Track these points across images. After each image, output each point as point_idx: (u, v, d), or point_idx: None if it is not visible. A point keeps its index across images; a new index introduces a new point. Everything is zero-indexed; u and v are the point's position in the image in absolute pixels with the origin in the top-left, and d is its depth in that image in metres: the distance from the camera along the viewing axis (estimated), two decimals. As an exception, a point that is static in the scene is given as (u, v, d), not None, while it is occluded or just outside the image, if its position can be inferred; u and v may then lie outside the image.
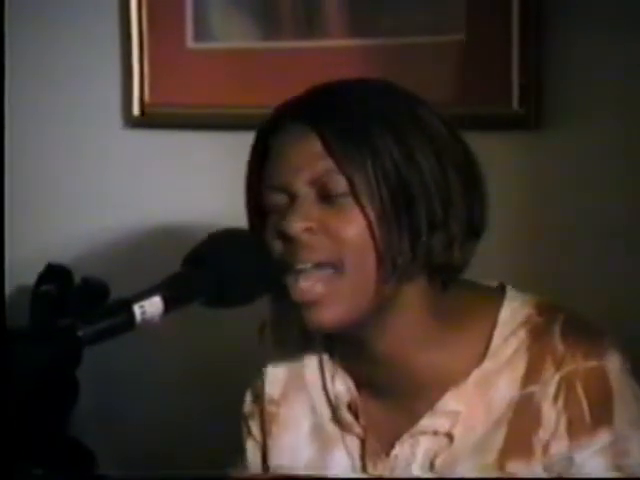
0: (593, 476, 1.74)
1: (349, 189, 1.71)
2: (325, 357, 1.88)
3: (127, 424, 2.62)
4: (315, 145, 1.73)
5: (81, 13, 2.68)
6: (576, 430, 1.73)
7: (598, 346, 1.75)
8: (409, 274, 1.72)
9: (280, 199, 1.75)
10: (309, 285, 1.73)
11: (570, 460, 1.74)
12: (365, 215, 1.71)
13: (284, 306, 1.83)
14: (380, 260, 1.71)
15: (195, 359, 2.51)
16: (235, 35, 2.53)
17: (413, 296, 1.77)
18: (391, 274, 1.72)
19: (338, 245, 1.72)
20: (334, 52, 2.35)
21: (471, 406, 1.78)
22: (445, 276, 1.77)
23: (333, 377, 1.86)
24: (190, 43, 2.55)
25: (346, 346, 1.84)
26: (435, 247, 1.73)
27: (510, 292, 1.81)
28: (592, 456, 1.73)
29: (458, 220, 1.75)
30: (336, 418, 1.85)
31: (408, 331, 1.78)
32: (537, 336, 1.77)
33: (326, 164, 1.71)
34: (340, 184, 1.71)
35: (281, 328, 1.93)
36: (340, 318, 1.73)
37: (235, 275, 1.74)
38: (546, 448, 1.75)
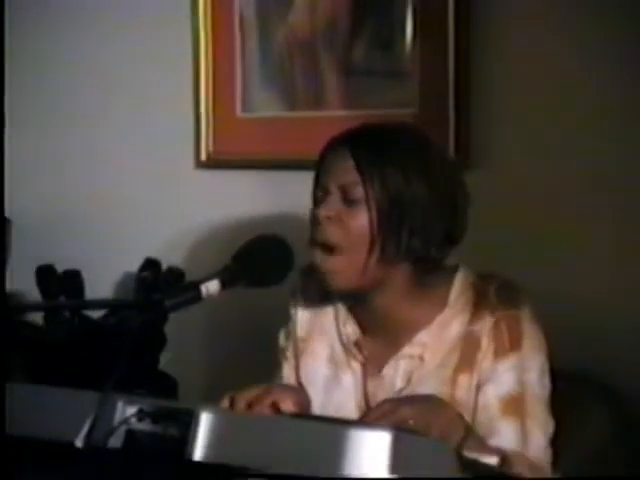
0: (504, 381, 1.77)
1: (363, 198, 1.75)
2: (339, 311, 1.89)
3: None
4: (349, 164, 1.76)
5: (167, 92, 2.63)
6: (498, 353, 1.78)
7: (517, 301, 1.80)
8: (392, 261, 1.77)
9: (320, 194, 1.79)
10: (323, 261, 1.77)
11: (493, 371, 1.77)
12: (369, 217, 1.75)
13: (310, 275, 1.88)
14: (372, 249, 1.75)
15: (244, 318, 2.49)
16: (268, 108, 2.49)
17: (401, 275, 1.80)
18: (377, 260, 1.76)
19: (344, 232, 1.76)
20: (333, 119, 2.32)
21: (435, 338, 1.82)
22: (425, 265, 1.80)
23: (345, 323, 1.88)
24: (239, 113, 2.52)
25: (356, 302, 1.86)
26: (414, 247, 1.77)
27: (462, 267, 1.84)
28: (507, 369, 1.77)
29: (435, 232, 1.78)
30: (346, 351, 1.87)
31: (396, 295, 1.82)
32: (479, 294, 1.82)
33: (353, 177, 1.76)
34: (358, 193, 1.75)
35: (308, 290, 1.93)
36: (343, 284, 1.78)
37: (267, 266, 1.79)
38: (480, 364, 1.79)
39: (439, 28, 2.23)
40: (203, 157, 2.56)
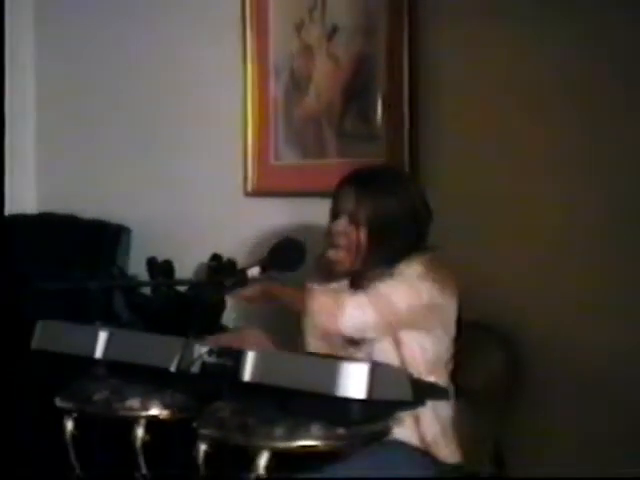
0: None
1: (360, 221, 1.72)
2: (340, 283, 1.81)
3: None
4: (352, 197, 1.75)
5: (226, 147, 2.56)
6: None
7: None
8: (376, 260, 1.73)
9: (335, 215, 1.77)
10: (332, 255, 1.76)
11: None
12: (364, 234, 1.74)
13: (319, 263, 1.85)
14: (364, 253, 1.74)
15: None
16: (290, 158, 2.45)
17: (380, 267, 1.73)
18: (365, 258, 1.73)
19: (348, 241, 1.75)
20: (331, 165, 2.30)
21: None
22: (399, 261, 1.73)
23: (341, 285, 1.81)
24: (272, 161, 2.49)
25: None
26: (391, 252, 1.72)
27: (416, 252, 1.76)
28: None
29: (406, 242, 1.74)
30: None
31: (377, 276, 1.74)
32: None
33: (354, 207, 1.74)
34: (357, 217, 1.73)
35: (319, 272, 1.86)
36: (342, 269, 1.76)
37: (290, 259, 1.80)
38: None
39: (398, 108, 2.20)
40: (249, 189, 2.54)
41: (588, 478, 1.71)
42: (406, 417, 1.62)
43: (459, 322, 1.77)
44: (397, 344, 1.69)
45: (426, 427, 1.70)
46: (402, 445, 1.67)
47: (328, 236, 1.78)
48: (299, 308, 1.66)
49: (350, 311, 1.66)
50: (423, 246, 1.78)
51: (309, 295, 1.67)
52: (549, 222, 1.97)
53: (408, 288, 1.68)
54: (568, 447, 1.92)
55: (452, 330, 1.76)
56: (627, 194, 1.86)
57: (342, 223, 1.77)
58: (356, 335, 1.68)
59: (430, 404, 1.65)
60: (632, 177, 1.85)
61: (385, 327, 1.68)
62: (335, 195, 1.81)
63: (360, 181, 1.78)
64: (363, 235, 1.75)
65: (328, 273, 1.83)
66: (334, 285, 1.81)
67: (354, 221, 1.76)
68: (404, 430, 1.64)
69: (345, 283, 1.83)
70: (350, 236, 1.76)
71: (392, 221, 1.74)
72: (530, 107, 1.99)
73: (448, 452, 1.73)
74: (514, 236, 2.02)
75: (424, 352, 1.71)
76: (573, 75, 1.92)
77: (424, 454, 1.70)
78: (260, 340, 1.74)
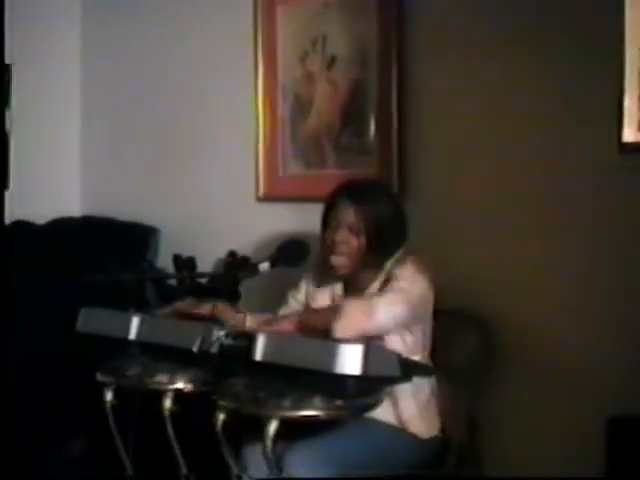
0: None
1: (358, 230, 1.73)
2: (335, 285, 1.84)
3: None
4: (351, 210, 1.75)
5: (242, 161, 2.55)
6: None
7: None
8: (370, 262, 1.75)
9: (334, 225, 1.77)
10: (334, 261, 1.77)
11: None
12: (363, 241, 1.74)
13: (318, 264, 1.87)
14: (362, 257, 1.75)
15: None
16: (295, 169, 2.45)
17: (373, 269, 1.76)
18: (362, 261, 1.75)
19: (348, 248, 1.75)
20: (330, 175, 2.28)
21: (376, 289, 1.76)
22: (385, 261, 1.75)
23: (336, 286, 1.84)
24: (280, 172, 2.48)
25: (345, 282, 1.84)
26: (383, 254, 1.74)
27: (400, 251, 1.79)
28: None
29: (394, 245, 1.76)
30: (335, 299, 1.84)
31: (367, 279, 1.78)
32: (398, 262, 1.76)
33: (353, 219, 1.73)
34: (356, 227, 1.73)
35: (318, 271, 1.88)
36: (343, 273, 1.77)
37: (295, 256, 1.81)
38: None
39: (388, 127, 2.20)
40: (260, 195, 2.54)
41: (579, 478, 1.67)
42: (384, 399, 1.63)
43: (434, 311, 1.80)
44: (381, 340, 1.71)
45: (403, 408, 1.72)
46: (378, 422, 1.69)
47: (329, 245, 1.78)
48: (326, 322, 1.61)
49: (385, 307, 1.66)
50: (403, 246, 1.80)
51: (341, 303, 1.66)
52: (524, 225, 1.98)
53: (420, 282, 1.70)
54: (534, 419, 1.93)
55: (431, 318, 1.80)
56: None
57: (343, 233, 1.77)
58: (394, 329, 1.67)
59: (410, 389, 1.67)
60: (607, 179, 1.82)
61: (414, 318, 1.70)
62: (331, 207, 1.80)
63: (354, 196, 1.78)
64: (362, 242, 1.77)
65: (327, 276, 1.84)
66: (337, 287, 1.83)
67: (354, 231, 1.77)
68: (381, 410, 1.64)
69: (339, 285, 1.85)
70: (351, 244, 1.77)
71: (385, 226, 1.77)
72: (510, 129, 1.99)
73: (422, 428, 1.74)
74: (492, 239, 2.03)
75: (404, 342, 1.72)
76: (552, 98, 1.92)
77: (399, 430, 1.73)
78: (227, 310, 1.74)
